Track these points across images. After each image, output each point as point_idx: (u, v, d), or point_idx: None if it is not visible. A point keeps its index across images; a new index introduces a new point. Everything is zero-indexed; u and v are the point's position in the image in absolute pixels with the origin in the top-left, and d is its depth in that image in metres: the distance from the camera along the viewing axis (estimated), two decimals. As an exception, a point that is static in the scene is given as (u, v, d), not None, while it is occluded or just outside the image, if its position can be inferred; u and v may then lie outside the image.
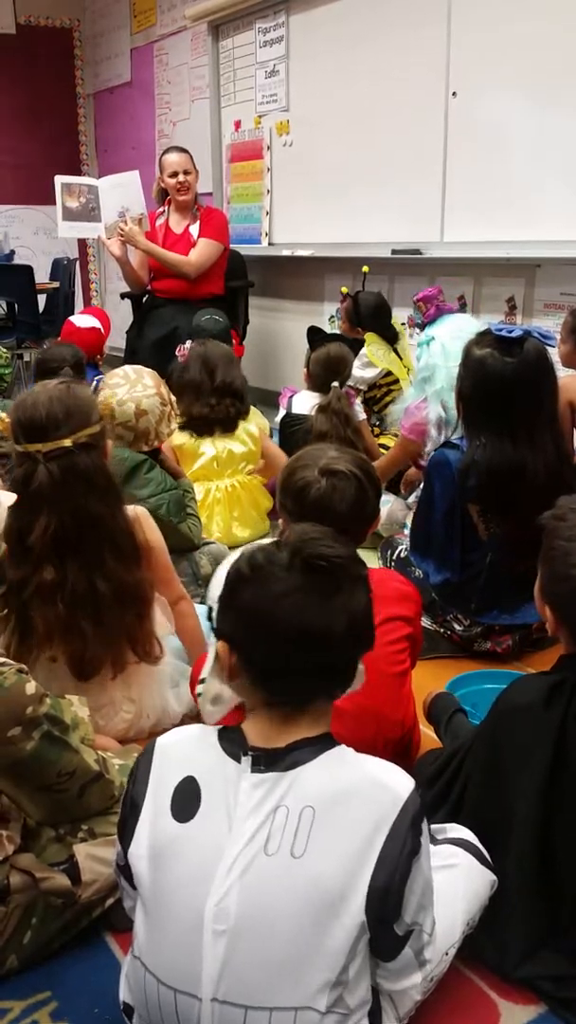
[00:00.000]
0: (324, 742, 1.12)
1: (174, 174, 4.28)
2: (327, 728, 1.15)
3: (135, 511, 1.93)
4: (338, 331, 4.02)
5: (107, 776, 1.45)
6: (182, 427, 3.00)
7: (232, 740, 1.12)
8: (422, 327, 3.13)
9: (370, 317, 3.73)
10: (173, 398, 2.55)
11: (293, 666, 1.10)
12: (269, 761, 1.09)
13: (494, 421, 2.21)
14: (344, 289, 4.08)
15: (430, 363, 2.93)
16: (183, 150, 4.38)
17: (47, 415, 1.70)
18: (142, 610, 1.84)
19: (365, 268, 4.09)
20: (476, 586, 2.30)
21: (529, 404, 2.21)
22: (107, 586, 1.76)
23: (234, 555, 1.18)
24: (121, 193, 4.37)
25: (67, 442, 1.69)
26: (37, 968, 1.41)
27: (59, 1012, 1.34)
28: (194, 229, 4.36)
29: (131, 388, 2.42)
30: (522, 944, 1.34)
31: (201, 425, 3.01)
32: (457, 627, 2.36)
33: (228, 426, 3.04)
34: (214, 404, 3.00)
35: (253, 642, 1.11)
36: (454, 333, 2.90)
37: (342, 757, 1.12)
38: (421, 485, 2.79)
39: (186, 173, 4.28)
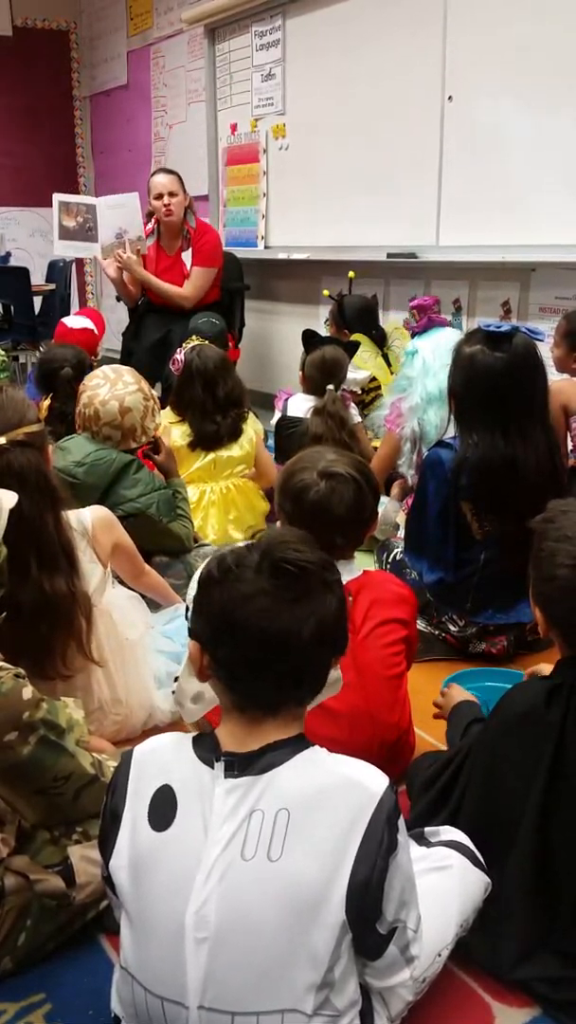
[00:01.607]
0: (297, 743, 1.11)
1: (159, 196, 4.26)
2: (300, 729, 1.14)
3: (96, 515, 1.92)
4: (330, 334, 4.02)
5: (102, 779, 1.44)
6: (191, 445, 3.04)
7: (205, 746, 1.12)
8: (412, 335, 3.17)
9: (356, 320, 3.75)
10: (154, 393, 2.55)
11: (259, 670, 1.09)
12: (242, 765, 1.08)
13: (486, 417, 2.22)
14: (326, 292, 4.08)
15: (409, 375, 2.97)
16: (171, 172, 4.34)
17: None
18: (58, 622, 1.76)
19: (351, 274, 4.09)
20: (470, 585, 2.31)
21: (519, 398, 2.22)
22: (28, 592, 1.71)
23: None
24: (120, 214, 4.38)
25: (1, 440, 1.68)
26: (31, 970, 1.40)
27: (53, 1014, 1.34)
28: (187, 257, 4.35)
29: (112, 387, 2.42)
30: (518, 946, 1.35)
31: (212, 441, 3.04)
32: (452, 628, 2.36)
33: (235, 436, 3.08)
34: (220, 420, 3.04)
35: (220, 644, 1.11)
36: (437, 350, 2.95)
37: (315, 758, 1.11)
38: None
39: (171, 195, 4.24)
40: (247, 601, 1.07)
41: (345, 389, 3.21)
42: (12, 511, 1.67)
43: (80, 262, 7.35)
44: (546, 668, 1.75)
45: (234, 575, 1.09)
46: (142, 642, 2.04)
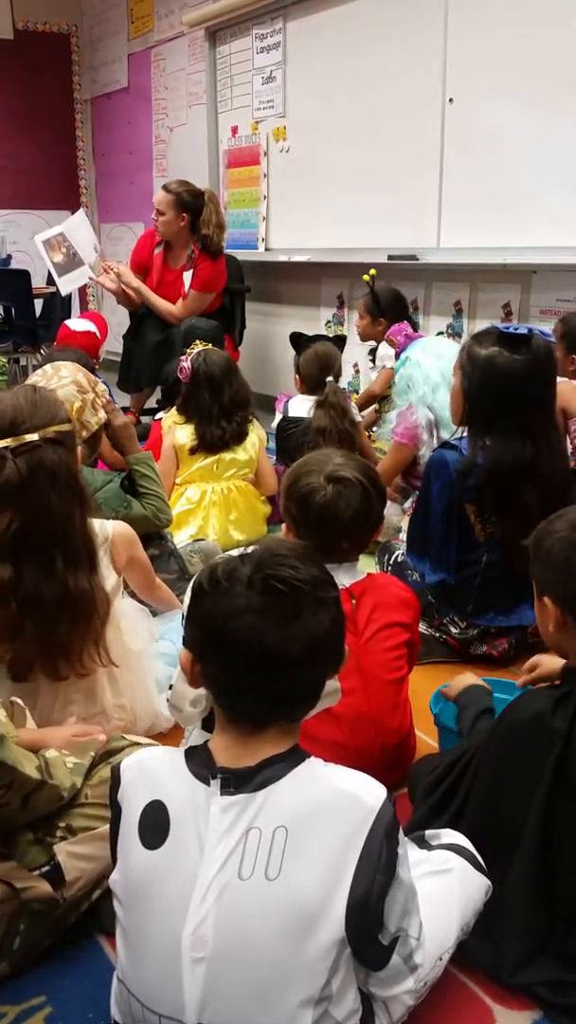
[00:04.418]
0: (293, 757, 1.10)
1: (154, 209, 4.35)
2: (295, 741, 1.13)
3: (117, 530, 1.92)
4: (330, 335, 4.01)
5: (50, 782, 1.41)
6: (192, 450, 3.05)
7: (200, 761, 1.10)
8: (396, 356, 3.22)
9: (390, 308, 3.73)
10: (102, 387, 2.45)
11: (246, 686, 1.08)
12: (239, 782, 1.07)
13: (503, 420, 2.20)
14: (366, 277, 3.90)
15: (405, 374, 3.01)
16: (169, 191, 4.31)
17: (13, 412, 1.70)
18: (79, 618, 1.77)
19: (372, 271, 3.98)
20: (472, 587, 2.30)
21: (539, 401, 2.21)
22: (52, 589, 1.72)
23: (217, 559, 1.16)
24: (84, 231, 4.49)
25: (34, 437, 1.68)
26: (31, 973, 1.40)
27: (53, 1017, 1.34)
28: (187, 277, 4.37)
29: (47, 383, 2.38)
30: (519, 949, 1.34)
31: (218, 445, 3.06)
32: (453, 630, 2.36)
33: (240, 439, 3.10)
34: (225, 425, 3.05)
35: (208, 657, 1.10)
36: (424, 347, 3.06)
37: (312, 772, 1.10)
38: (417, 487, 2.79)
39: (159, 213, 4.29)
40: (235, 616, 1.05)
41: (346, 390, 3.22)
42: (41, 507, 1.69)
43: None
44: (547, 660, 1.74)
45: (224, 588, 1.07)
46: (146, 652, 2.04)
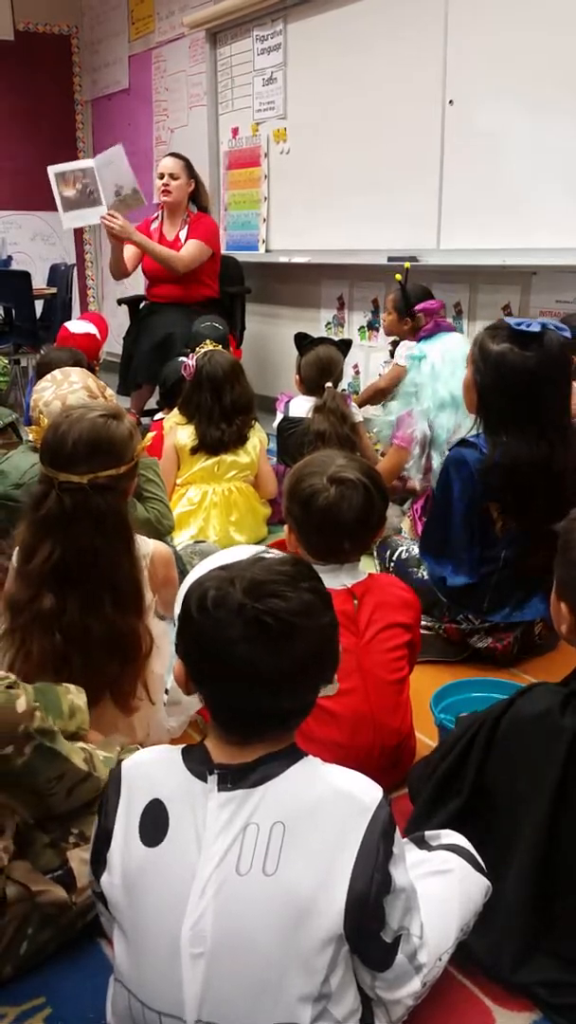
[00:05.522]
0: (291, 755, 1.11)
1: (161, 176, 4.41)
2: (291, 740, 1.14)
3: (157, 551, 1.91)
4: (333, 337, 4.01)
5: (95, 774, 1.44)
6: (194, 450, 3.05)
7: (197, 758, 1.11)
8: (418, 339, 3.16)
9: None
10: (110, 392, 2.45)
11: (241, 705, 1.09)
12: (236, 778, 1.07)
13: (519, 417, 2.16)
14: (398, 276, 3.89)
15: (417, 381, 2.95)
16: (178, 156, 4.45)
17: (72, 446, 1.68)
18: (129, 659, 1.78)
19: (407, 266, 3.80)
20: (489, 584, 2.26)
21: (555, 397, 2.18)
22: (100, 628, 1.72)
23: (205, 562, 1.16)
24: (112, 171, 4.39)
25: (83, 480, 1.67)
26: (32, 974, 1.40)
27: (53, 1018, 1.34)
28: (183, 234, 4.43)
29: (57, 388, 2.37)
30: (519, 949, 1.34)
31: (217, 447, 3.06)
32: (464, 626, 2.32)
33: (240, 443, 3.10)
34: (225, 427, 3.05)
35: (201, 679, 1.11)
36: (445, 355, 2.95)
37: (309, 769, 1.10)
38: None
39: (172, 177, 4.38)
40: (227, 645, 1.05)
41: (345, 390, 3.22)
42: (86, 548, 1.69)
43: (81, 267, 7.36)
44: None
45: (212, 616, 1.06)
46: (164, 676, 2.04)
